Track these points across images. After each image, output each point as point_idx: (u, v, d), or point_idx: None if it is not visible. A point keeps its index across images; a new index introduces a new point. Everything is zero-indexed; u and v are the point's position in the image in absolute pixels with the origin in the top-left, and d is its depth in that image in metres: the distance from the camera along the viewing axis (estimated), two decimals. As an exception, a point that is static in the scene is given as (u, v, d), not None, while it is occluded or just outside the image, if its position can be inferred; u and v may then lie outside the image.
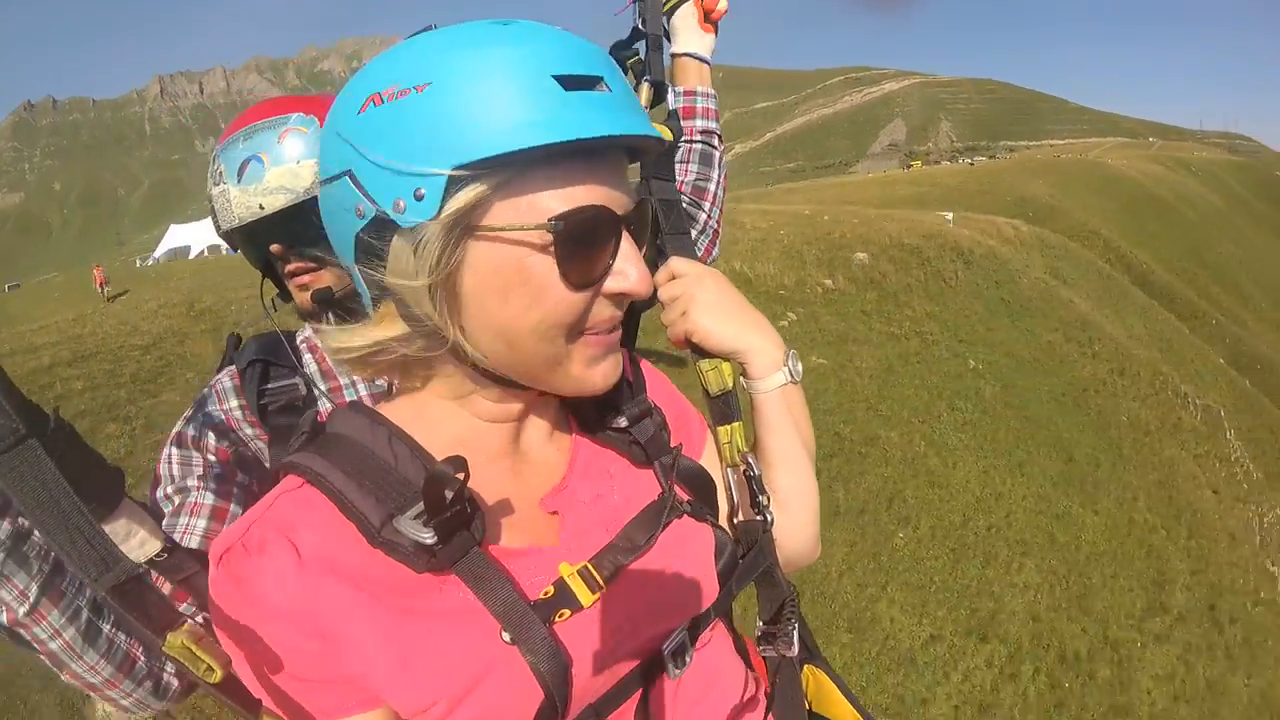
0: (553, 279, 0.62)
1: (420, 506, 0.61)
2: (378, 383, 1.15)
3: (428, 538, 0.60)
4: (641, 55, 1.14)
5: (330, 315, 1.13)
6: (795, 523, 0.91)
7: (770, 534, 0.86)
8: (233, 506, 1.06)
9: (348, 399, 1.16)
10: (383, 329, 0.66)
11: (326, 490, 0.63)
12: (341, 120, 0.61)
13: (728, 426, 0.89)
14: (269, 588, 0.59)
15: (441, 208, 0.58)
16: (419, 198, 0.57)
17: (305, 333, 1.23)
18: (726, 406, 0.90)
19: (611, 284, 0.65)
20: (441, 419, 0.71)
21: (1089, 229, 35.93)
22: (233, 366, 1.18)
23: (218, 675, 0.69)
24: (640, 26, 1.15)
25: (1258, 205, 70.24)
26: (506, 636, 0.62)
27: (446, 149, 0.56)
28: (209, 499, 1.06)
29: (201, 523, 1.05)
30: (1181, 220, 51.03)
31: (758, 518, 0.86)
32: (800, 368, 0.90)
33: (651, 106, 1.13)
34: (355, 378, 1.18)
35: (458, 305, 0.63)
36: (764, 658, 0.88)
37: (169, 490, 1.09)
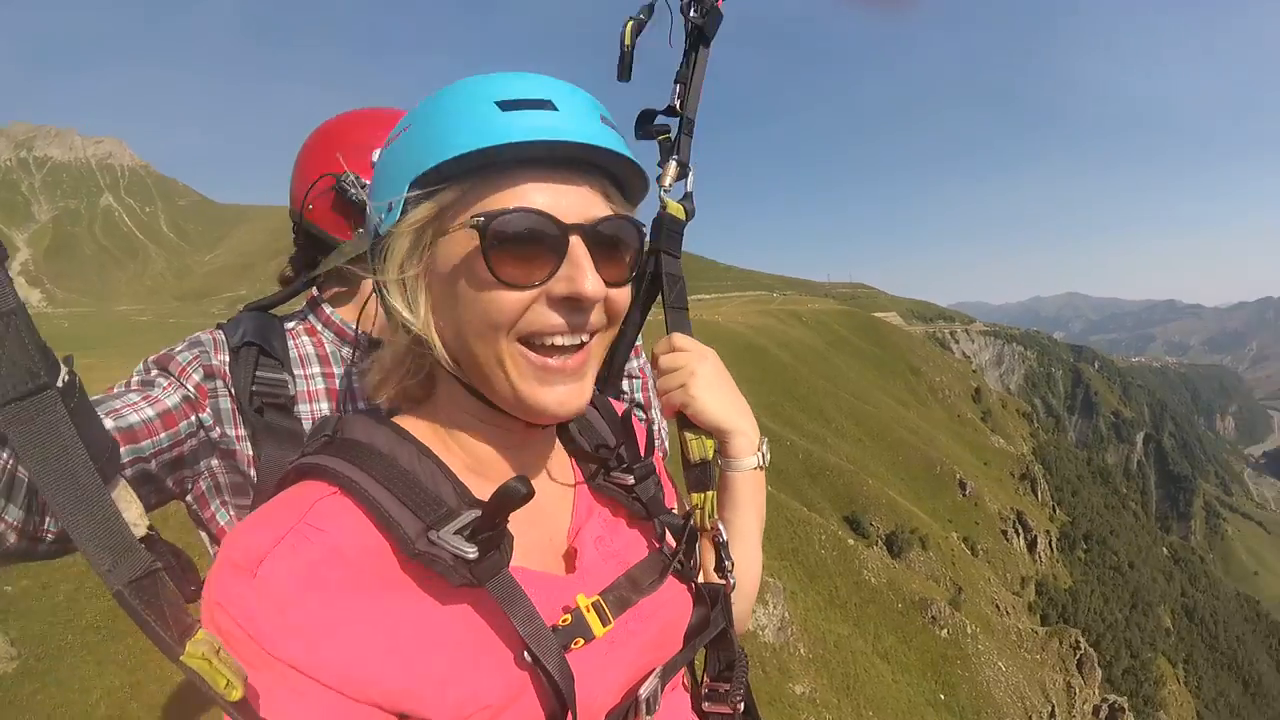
0: (486, 274, 0.67)
1: (462, 521, 0.65)
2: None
3: (470, 552, 0.63)
4: (672, 135, 1.16)
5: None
6: (738, 594, 0.98)
7: (730, 597, 0.92)
8: (182, 424, 1.06)
9: (338, 388, 1.22)
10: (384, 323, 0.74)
11: (361, 498, 0.65)
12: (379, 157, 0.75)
13: (702, 494, 0.96)
14: (305, 601, 0.59)
15: (403, 216, 0.69)
16: (390, 209, 0.70)
17: (294, 324, 1.26)
18: (705, 474, 0.97)
19: (557, 287, 0.68)
20: (453, 443, 0.76)
21: (685, 383, 44.76)
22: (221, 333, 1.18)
23: (238, 692, 0.55)
24: (677, 107, 1.16)
25: (856, 342, 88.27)
26: (528, 657, 0.65)
27: (410, 169, 0.68)
28: (171, 400, 1.06)
29: (150, 411, 1.03)
30: (777, 364, 63.58)
31: (720, 581, 0.93)
32: (769, 456, 1.00)
33: (674, 182, 1.16)
34: (353, 369, 1.22)
35: (431, 304, 0.72)
36: (708, 715, 0.90)
37: (133, 381, 1.09)
